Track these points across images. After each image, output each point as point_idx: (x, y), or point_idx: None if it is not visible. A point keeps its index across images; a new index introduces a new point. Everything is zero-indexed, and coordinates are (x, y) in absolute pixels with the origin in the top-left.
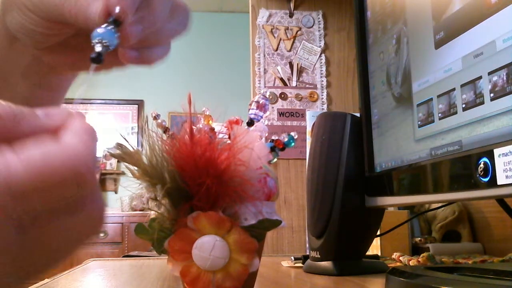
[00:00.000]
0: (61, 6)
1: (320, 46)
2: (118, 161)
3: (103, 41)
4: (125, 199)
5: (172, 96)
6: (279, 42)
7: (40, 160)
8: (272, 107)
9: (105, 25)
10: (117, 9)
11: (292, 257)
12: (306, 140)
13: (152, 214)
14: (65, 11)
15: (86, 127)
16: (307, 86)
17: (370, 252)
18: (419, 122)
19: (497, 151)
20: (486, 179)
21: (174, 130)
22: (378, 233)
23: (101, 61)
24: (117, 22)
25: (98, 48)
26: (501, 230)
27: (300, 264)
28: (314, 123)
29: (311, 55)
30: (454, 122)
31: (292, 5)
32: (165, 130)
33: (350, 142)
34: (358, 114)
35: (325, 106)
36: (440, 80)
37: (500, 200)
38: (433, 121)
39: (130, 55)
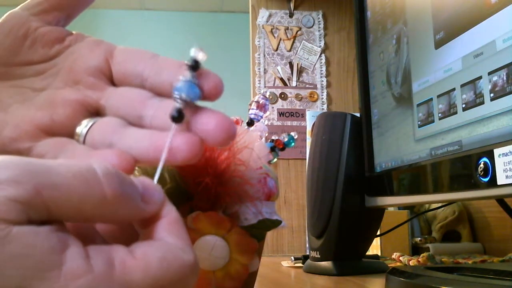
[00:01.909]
0: None
1: (320, 46)
2: None
3: (183, 96)
4: None
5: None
6: (279, 42)
7: (158, 267)
8: (272, 107)
9: (182, 77)
10: (193, 52)
11: (292, 257)
12: (306, 140)
13: None
14: None
15: (180, 222)
16: (307, 86)
17: (370, 252)
18: (419, 122)
19: (497, 151)
20: (486, 179)
21: None
22: (378, 233)
23: (183, 119)
24: (196, 66)
25: (178, 104)
26: (501, 230)
27: (300, 264)
28: (314, 123)
29: (311, 55)
30: (454, 122)
31: (292, 5)
32: None
33: (350, 142)
34: (358, 114)
35: (325, 106)
36: (440, 80)
37: (500, 200)
38: (433, 121)
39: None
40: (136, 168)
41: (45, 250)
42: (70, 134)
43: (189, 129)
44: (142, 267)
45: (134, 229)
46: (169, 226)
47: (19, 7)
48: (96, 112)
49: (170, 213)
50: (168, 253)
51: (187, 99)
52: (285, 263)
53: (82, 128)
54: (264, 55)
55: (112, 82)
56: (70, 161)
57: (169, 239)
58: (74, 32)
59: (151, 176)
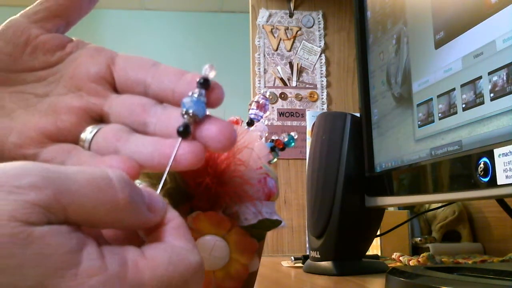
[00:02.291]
0: None
1: (320, 46)
2: None
3: (190, 112)
4: None
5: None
6: (279, 42)
7: (166, 268)
8: (272, 107)
9: (191, 93)
10: (205, 69)
11: (292, 257)
12: (306, 140)
13: None
14: None
15: (185, 226)
16: (307, 86)
17: (370, 252)
18: (419, 122)
19: (497, 151)
20: (486, 179)
21: None
22: (378, 233)
23: (189, 134)
24: (206, 84)
25: (185, 119)
26: (501, 230)
27: (300, 264)
28: (314, 123)
29: (311, 55)
30: (454, 122)
31: (292, 5)
32: None
33: (350, 142)
34: (358, 114)
35: (325, 106)
36: (440, 80)
37: (500, 200)
38: (433, 121)
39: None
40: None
41: (65, 250)
42: (75, 140)
43: (192, 135)
44: (151, 268)
45: (137, 234)
46: (174, 230)
47: (19, 14)
48: (100, 118)
49: (174, 218)
50: (175, 255)
51: (194, 116)
52: (285, 263)
53: (87, 134)
54: (264, 55)
55: (115, 89)
56: (86, 168)
57: (175, 242)
58: (74, 38)
59: (154, 179)
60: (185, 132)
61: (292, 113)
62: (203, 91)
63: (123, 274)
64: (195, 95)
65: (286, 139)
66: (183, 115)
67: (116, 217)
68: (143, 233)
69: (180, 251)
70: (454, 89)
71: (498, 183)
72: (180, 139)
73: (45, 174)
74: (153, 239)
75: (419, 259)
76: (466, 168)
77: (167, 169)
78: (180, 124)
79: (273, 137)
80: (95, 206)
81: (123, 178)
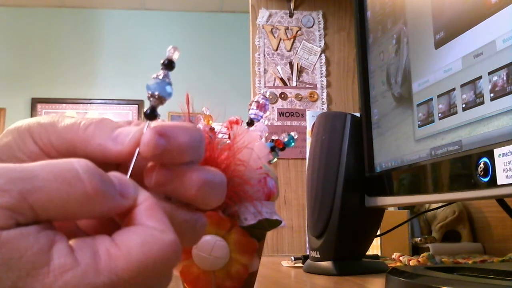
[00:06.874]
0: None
1: (320, 46)
2: None
3: (155, 94)
4: None
5: (172, 96)
6: (279, 42)
7: (140, 251)
8: (272, 107)
9: (155, 76)
10: (169, 51)
11: (292, 257)
12: (306, 140)
13: None
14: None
15: (158, 207)
16: (307, 86)
17: (370, 252)
18: (419, 122)
19: (497, 151)
20: (486, 179)
21: None
22: (378, 233)
23: (156, 117)
24: (170, 65)
25: (151, 102)
26: (501, 230)
27: (300, 264)
28: (314, 123)
29: (311, 55)
30: (454, 122)
31: (292, 5)
32: None
33: (350, 142)
34: (358, 114)
35: (325, 106)
36: (440, 80)
37: (500, 200)
38: (433, 121)
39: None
40: None
41: (34, 251)
42: None
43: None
44: (124, 254)
45: (113, 220)
46: (147, 211)
47: None
48: None
49: (146, 199)
50: (148, 236)
51: (161, 98)
52: (285, 263)
53: None
54: (264, 55)
55: None
56: (52, 162)
57: (148, 223)
58: None
59: None
60: (151, 115)
61: (292, 113)
62: (168, 73)
63: (96, 265)
64: (160, 77)
65: (286, 139)
66: (149, 98)
67: (87, 208)
68: (117, 218)
69: (152, 232)
70: (454, 89)
71: (498, 183)
72: (148, 122)
73: (9, 175)
74: (126, 223)
75: (419, 259)
76: (466, 168)
77: (135, 155)
78: (147, 108)
79: (273, 137)
80: (65, 201)
81: (90, 167)
